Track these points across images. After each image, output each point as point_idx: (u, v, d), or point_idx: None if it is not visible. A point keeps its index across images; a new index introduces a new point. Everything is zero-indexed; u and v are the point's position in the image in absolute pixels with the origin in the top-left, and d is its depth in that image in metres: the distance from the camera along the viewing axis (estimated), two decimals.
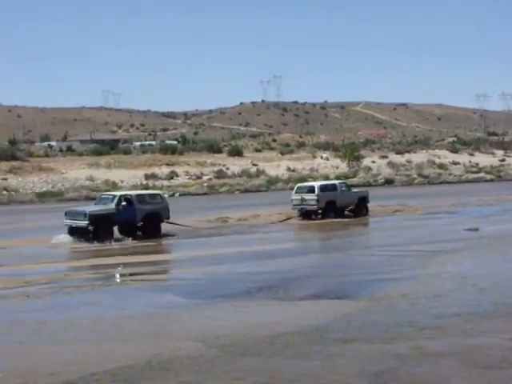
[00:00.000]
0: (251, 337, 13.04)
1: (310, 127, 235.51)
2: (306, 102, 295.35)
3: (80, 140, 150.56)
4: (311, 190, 37.79)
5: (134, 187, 61.45)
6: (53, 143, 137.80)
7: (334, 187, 38.50)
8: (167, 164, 78.14)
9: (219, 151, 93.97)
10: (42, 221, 38.52)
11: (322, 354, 11.82)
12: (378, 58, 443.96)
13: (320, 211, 37.32)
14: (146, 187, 63.87)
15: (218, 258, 24.74)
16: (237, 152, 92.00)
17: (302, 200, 37.42)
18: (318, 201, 37.00)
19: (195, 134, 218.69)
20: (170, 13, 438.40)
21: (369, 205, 39.12)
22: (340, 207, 37.97)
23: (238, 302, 16.65)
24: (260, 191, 64.19)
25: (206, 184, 66.75)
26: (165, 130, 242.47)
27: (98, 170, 72.17)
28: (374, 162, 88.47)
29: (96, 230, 29.31)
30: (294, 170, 79.84)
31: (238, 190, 64.84)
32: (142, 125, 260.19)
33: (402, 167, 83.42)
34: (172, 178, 71.32)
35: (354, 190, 41.70)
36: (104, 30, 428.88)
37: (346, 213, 38.35)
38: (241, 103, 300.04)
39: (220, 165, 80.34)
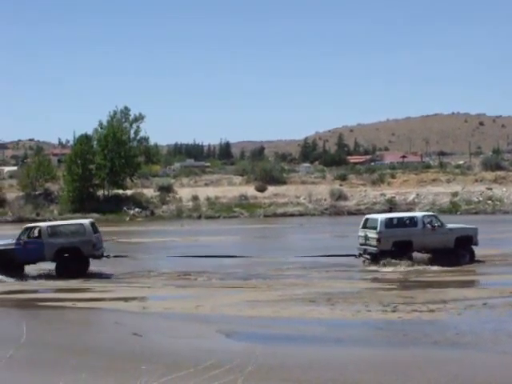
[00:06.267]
0: None
1: None
2: None
3: None
4: (375, 225, 27.49)
5: None
6: None
7: (411, 222, 27.67)
8: None
9: None
10: None
11: None
12: None
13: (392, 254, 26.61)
14: None
15: None
16: None
17: (366, 238, 27.67)
18: (379, 240, 26.71)
19: None
20: None
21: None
22: (422, 250, 27.53)
23: None
24: None
25: None
26: None
27: None
28: None
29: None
30: None
31: None
32: None
33: None
34: None
35: (451, 225, 28.82)
36: None
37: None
38: None
39: None
